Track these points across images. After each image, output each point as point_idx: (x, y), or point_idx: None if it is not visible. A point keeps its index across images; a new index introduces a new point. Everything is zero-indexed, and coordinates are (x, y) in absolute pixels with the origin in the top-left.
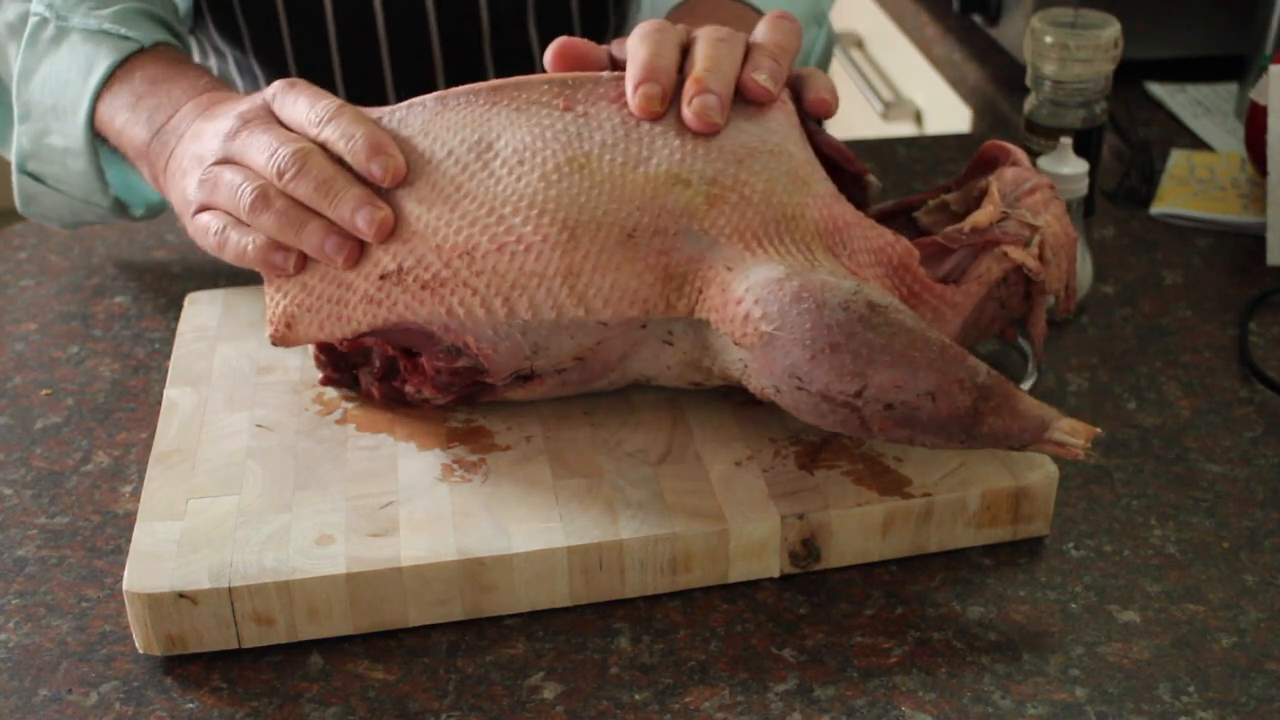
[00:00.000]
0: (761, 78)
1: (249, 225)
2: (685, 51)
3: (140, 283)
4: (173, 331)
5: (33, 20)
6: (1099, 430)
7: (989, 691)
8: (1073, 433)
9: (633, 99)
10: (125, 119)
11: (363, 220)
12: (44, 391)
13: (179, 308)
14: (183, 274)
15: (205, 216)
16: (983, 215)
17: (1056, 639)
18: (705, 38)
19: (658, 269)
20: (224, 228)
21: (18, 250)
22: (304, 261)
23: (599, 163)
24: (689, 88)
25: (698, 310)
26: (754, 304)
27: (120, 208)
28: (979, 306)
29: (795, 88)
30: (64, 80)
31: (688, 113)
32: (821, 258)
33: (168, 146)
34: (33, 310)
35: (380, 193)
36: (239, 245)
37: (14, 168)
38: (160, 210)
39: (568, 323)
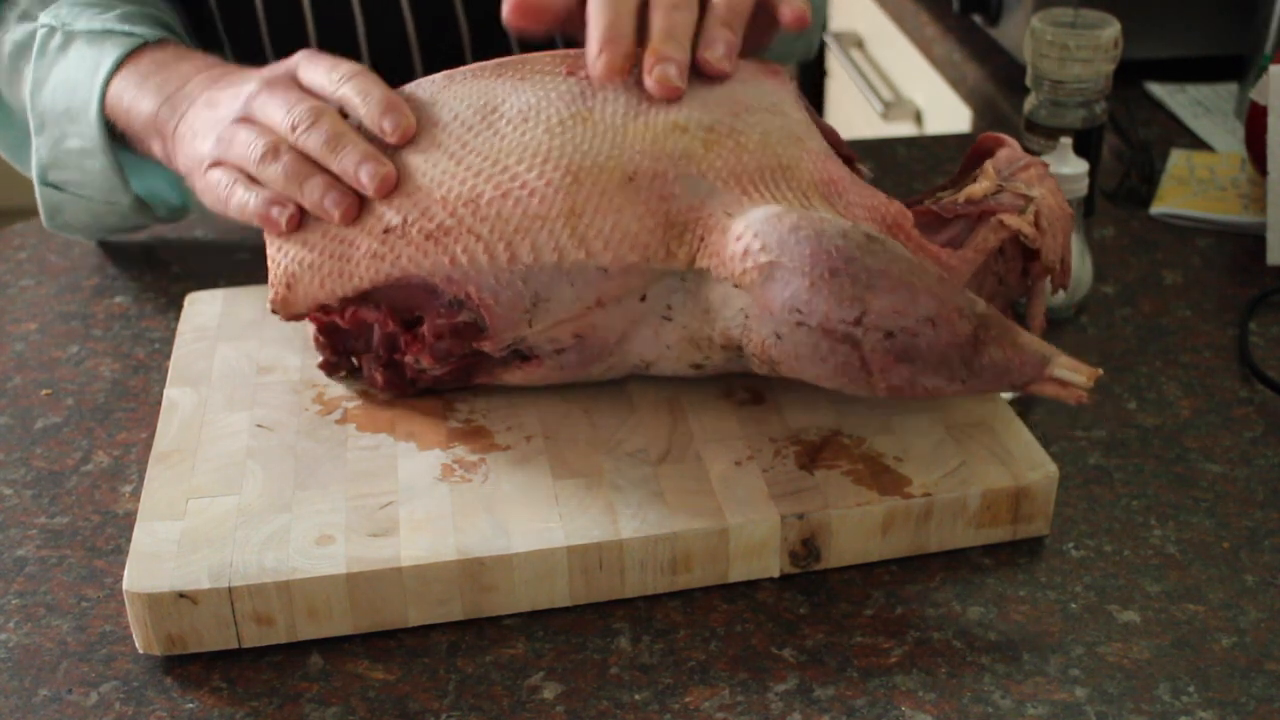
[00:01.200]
0: (716, 55)
1: (256, 180)
2: (644, 11)
3: (140, 283)
4: (173, 331)
5: (40, 32)
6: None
7: (989, 691)
8: (1074, 370)
9: (594, 65)
10: (133, 95)
11: (366, 174)
12: (44, 391)
13: (179, 308)
14: (183, 274)
15: (215, 172)
16: (977, 188)
17: (1056, 639)
18: (660, 4)
19: (658, 214)
20: (232, 183)
21: (18, 250)
22: (299, 218)
23: (601, 114)
24: (647, 58)
25: (699, 258)
26: (753, 238)
27: (141, 207)
28: (977, 280)
29: (766, 8)
30: (74, 82)
31: (649, 81)
32: (819, 205)
33: (178, 111)
34: (33, 310)
35: (388, 154)
36: (242, 200)
37: (36, 182)
38: (183, 214)
39: (569, 267)
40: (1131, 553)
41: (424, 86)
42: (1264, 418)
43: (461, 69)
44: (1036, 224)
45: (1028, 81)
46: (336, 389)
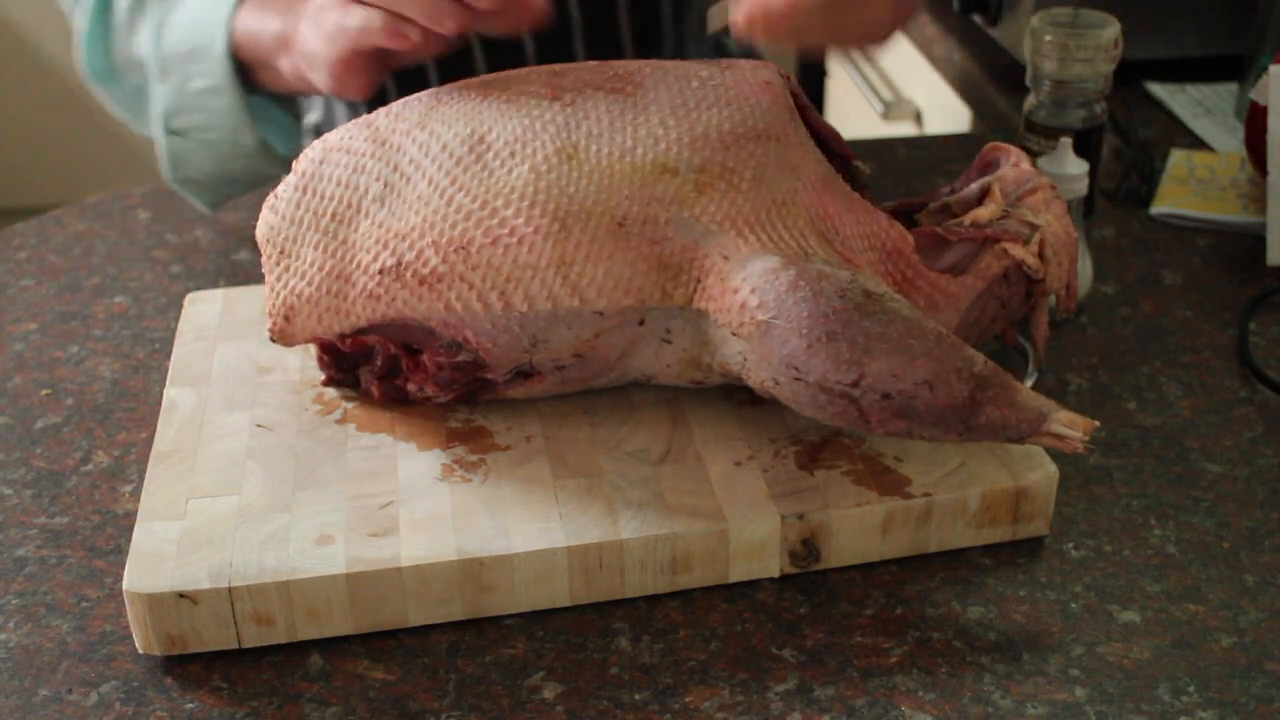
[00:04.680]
0: None
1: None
2: None
3: (140, 283)
4: (173, 331)
5: None
6: (1097, 424)
7: (989, 691)
8: (1071, 425)
9: None
10: (257, 19)
11: None
12: (44, 391)
13: (179, 308)
14: (183, 274)
15: (330, 14)
16: (984, 212)
17: (1056, 639)
18: None
19: (651, 258)
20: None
21: (18, 250)
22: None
23: (586, 153)
24: None
25: (696, 300)
26: (750, 293)
27: (264, 148)
28: (979, 304)
29: None
30: (196, 20)
31: None
32: (815, 245)
33: (299, 17)
34: (33, 310)
35: (384, 188)
36: (362, 21)
37: (159, 132)
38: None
39: (564, 313)
40: (1131, 553)
41: (411, 106)
42: (1264, 418)
43: (448, 87)
44: (1041, 253)
45: (1028, 81)
46: (336, 389)
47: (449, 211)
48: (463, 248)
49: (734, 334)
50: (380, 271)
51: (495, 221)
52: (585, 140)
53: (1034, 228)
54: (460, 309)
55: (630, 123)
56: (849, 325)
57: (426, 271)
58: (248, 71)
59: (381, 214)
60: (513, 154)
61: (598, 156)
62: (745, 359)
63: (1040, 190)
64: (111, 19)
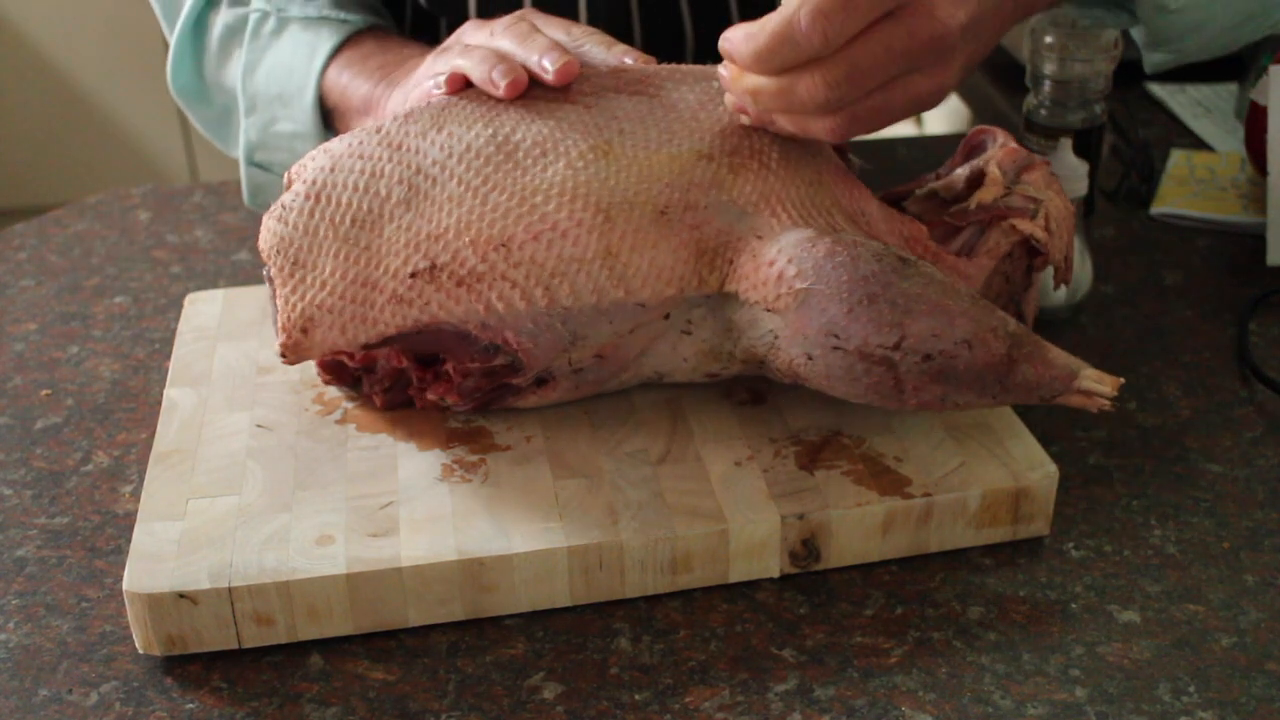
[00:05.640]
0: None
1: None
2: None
3: (140, 283)
4: (173, 331)
5: (253, 17)
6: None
7: (989, 691)
8: (1099, 381)
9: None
10: (351, 75)
11: (549, 61)
12: (44, 391)
13: (179, 308)
14: (183, 274)
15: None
16: (987, 193)
17: (1056, 639)
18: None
19: (691, 244)
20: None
21: (18, 250)
22: (462, 83)
23: (621, 148)
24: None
25: (728, 283)
26: (787, 263)
27: None
28: (987, 282)
29: None
30: (288, 67)
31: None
32: (844, 223)
33: (395, 84)
34: (33, 310)
35: (408, 191)
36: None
37: (242, 161)
38: None
39: (608, 306)
40: (1131, 553)
41: (419, 111)
42: (1264, 418)
43: (455, 95)
44: (1045, 226)
45: (1027, 81)
46: (337, 389)
47: (485, 210)
48: (503, 245)
49: (769, 309)
50: (412, 275)
51: (536, 217)
52: (618, 136)
53: (1038, 202)
54: (502, 308)
55: (662, 118)
56: (889, 287)
57: (464, 272)
58: (332, 116)
59: (408, 217)
60: (544, 153)
61: (634, 150)
62: (776, 337)
63: (1038, 168)
64: (205, 41)
